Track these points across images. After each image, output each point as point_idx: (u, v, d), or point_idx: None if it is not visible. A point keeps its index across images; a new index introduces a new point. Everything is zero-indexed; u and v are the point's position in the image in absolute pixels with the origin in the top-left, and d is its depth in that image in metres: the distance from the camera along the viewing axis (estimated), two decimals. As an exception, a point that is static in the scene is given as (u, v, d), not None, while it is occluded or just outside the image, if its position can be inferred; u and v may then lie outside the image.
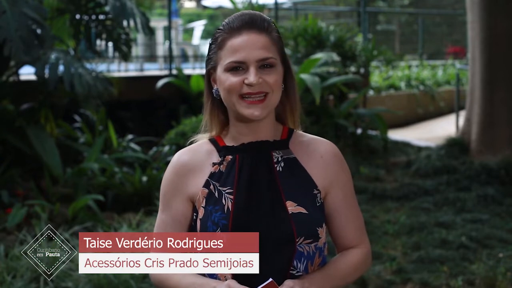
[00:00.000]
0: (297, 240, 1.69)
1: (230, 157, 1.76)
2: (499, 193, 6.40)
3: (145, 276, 4.01)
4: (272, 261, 1.69)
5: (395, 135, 9.43)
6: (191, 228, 1.78)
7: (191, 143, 1.84)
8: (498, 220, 5.70)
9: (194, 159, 1.78)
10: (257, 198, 1.71)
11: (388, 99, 11.13)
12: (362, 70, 9.26)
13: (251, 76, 1.67)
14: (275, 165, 1.75)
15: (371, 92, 10.63)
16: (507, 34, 7.61)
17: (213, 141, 1.80)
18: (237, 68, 1.69)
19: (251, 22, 1.70)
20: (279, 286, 1.63)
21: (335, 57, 7.73)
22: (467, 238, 5.14)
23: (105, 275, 3.88)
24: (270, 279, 1.62)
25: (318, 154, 1.79)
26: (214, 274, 1.72)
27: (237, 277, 1.69)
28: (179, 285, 1.71)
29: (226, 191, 1.72)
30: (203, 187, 1.75)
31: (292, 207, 1.70)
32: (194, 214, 1.76)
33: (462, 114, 8.59)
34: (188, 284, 1.70)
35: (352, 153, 7.75)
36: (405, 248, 5.05)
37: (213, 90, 1.76)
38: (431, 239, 5.16)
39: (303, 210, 1.71)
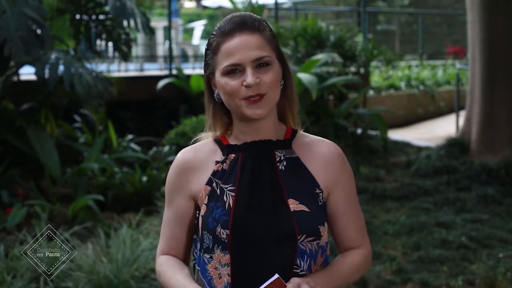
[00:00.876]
0: (298, 237, 1.69)
1: (233, 155, 1.77)
2: (499, 193, 6.39)
3: (145, 276, 4.01)
4: (273, 258, 1.69)
5: (395, 135, 9.42)
6: (195, 225, 1.80)
7: (195, 141, 1.86)
8: (498, 220, 5.70)
9: (197, 157, 1.80)
10: (258, 196, 1.72)
11: (388, 99, 11.12)
12: (362, 70, 9.25)
13: (249, 77, 1.67)
14: (278, 164, 1.76)
15: (371, 92, 10.63)
16: (507, 34, 7.61)
17: (217, 140, 1.82)
18: (234, 71, 1.69)
19: (242, 23, 1.71)
20: (285, 283, 1.63)
21: (338, 58, 7.72)
22: (467, 238, 5.14)
23: (105, 275, 3.87)
24: (277, 275, 1.61)
25: (321, 154, 1.79)
26: (206, 270, 1.74)
27: (237, 276, 1.70)
28: (169, 283, 1.75)
29: (228, 188, 1.73)
30: (205, 184, 1.76)
31: (294, 205, 1.71)
32: (197, 212, 1.78)
33: (462, 114, 8.59)
34: (174, 284, 1.73)
35: (352, 153, 7.74)
36: (405, 248, 5.05)
37: (214, 95, 1.77)
38: (431, 239, 5.16)
39: (305, 208, 1.71)
